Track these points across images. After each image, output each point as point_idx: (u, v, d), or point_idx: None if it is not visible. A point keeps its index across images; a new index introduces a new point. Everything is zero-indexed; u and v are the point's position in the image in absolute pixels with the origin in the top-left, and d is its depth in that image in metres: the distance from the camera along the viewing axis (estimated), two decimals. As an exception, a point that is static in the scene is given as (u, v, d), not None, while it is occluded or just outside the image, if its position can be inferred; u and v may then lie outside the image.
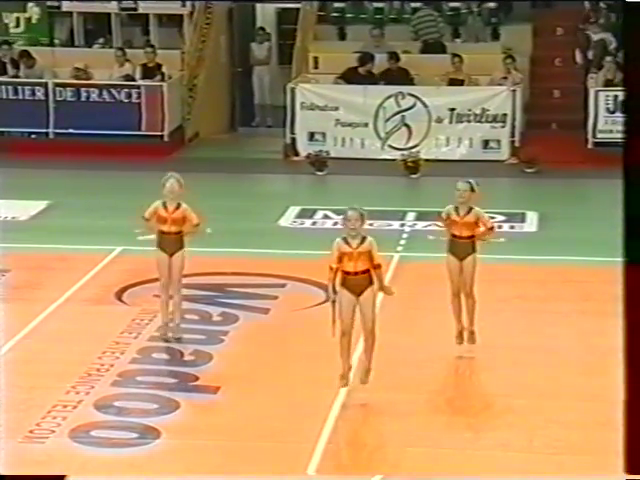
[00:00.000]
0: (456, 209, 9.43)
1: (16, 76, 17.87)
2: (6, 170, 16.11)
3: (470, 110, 17.14)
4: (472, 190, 9.39)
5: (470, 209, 9.40)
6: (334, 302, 8.54)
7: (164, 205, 9.79)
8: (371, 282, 8.54)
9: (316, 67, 18.26)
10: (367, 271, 8.51)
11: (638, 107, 4.96)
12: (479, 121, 17.17)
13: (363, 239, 8.54)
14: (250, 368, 9.50)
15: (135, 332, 10.18)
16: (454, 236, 9.45)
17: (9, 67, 17.94)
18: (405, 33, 18.83)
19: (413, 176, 16.39)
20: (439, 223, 9.74)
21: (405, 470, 7.71)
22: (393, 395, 8.70)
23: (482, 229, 9.48)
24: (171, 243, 9.79)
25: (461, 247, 9.40)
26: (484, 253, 9.69)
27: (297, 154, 17.30)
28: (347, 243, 8.53)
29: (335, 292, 8.50)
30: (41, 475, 7.23)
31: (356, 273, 8.49)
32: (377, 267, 8.59)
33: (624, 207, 4.92)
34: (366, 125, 17.23)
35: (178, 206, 9.78)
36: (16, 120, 17.34)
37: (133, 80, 17.67)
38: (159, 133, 17.54)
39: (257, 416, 8.53)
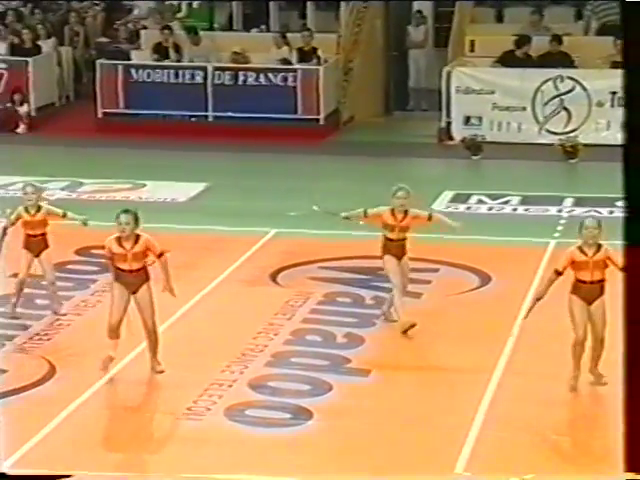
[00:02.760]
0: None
1: (178, 60, 18.27)
2: (167, 152, 16.53)
3: (632, 93, 16.67)
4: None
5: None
6: (538, 299, 8.63)
7: (392, 212, 9.78)
8: (603, 292, 8.45)
9: (472, 50, 18.04)
10: (602, 280, 8.43)
11: (638, 105, 4.87)
12: (642, 105, 16.69)
13: (599, 247, 8.42)
14: (402, 352, 9.50)
15: (289, 314, 10.30)
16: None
17: (171, 51, 18.36)
18: (565, 15, 18.42)
19: (571, 161, 16.06)
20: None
21: (555, 472, 7.58)
22: (551, 384, 8.54)
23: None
24: (398, 249, 9.84)
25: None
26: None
27: (452, 138, 17.16)
28: (582, 252, 8.44)
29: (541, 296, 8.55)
30: (44, 475, 7.27)
31: (592, 282, 8.43)
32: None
33: (624, 191, 4.73)
34: (524, 109, 16.96)
35: (406, 213, 9.78)
36: (177, 103, 17.73)
37: (290, 64, 17.85)
38: (315, 116, 17.66)
39: (408, 401, 8.52)
